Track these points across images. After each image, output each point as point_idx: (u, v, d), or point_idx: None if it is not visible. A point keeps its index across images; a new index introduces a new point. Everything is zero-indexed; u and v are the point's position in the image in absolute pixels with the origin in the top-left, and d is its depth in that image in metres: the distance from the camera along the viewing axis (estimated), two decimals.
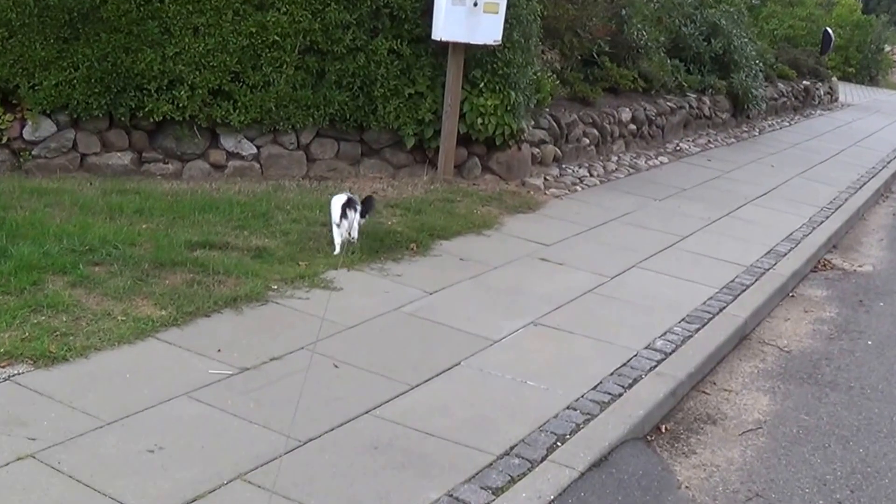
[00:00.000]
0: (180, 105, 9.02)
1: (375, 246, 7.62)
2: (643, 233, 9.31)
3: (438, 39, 9.41)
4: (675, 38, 15.27)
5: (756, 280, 8.20)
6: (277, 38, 9.12)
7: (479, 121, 9.91)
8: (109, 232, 7.13)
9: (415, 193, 9.37)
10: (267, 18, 9.06)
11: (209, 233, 7.45)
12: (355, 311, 6.41)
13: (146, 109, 9.00)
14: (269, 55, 9.16)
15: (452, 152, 9.89)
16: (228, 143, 9.41)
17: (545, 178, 10.83)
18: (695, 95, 15.09)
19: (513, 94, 9.96)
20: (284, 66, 9.22)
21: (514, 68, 10.00)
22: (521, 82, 10.13)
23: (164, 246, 7.00)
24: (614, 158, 12.54)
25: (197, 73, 9.02)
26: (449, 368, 5.75)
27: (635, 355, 6.24)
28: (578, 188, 10.84)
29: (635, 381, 5.87)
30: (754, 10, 20.46)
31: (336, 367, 5.62)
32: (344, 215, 7.36)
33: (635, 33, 13.99)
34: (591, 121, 12.26)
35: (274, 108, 9.28)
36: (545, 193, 10.32)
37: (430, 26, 9.45)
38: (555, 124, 11.40)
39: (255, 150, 9.49)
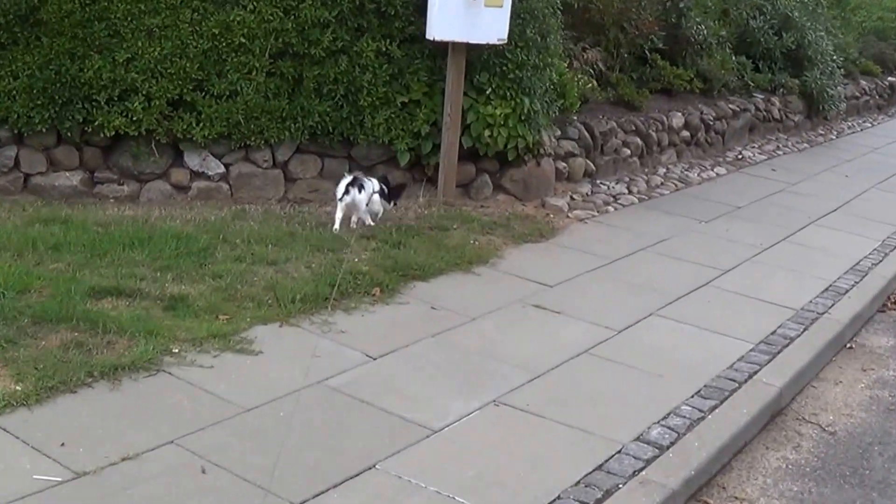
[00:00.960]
0: (135, 118, 7.76)
1: (325, 292, 6.21)
2: (675, 266, 7.70)
3: (432, 39, 7.96)
4: (741, 33, 13.48)
5: (804, 330, 6.55)
6: (244, 39, 7.79)
7: (487, 133, 8.43)
8: (5, 274, 5.88)
9: (404, 219, 7.93)
10: (231, 17, 7.74)
11: (125, 275, 6.13)
12: (265, 385, 5.01)
13: (96, 123, 7.78)
14: (235, 60, 7.84)
15: (454, 170, 8.42)
16: (192, 160, 8.12)
17: (571, 197, 9.28)
18: (762, 96, 13.27)
19: (526, 100, 8.45)
20: (254, 73, 7.89)
21: (528, 71, 8.48)
22: (538, 87, 8.60)
23: (62, 293, 5.70)
24: (661, 171, 10.89)
25: (153, 81, 7.75)
26: (356, 475, 4.30)
27: (618, 451, 4.70)
28: (610, 208, 9.26)
29: (607, 494, 4.34)
30: (842, 2, 18.41)
31: (204, 472, 4.23)
32: (347, 192, 7.30)
33: (694, 27, 12.29)
34: (633, 128, 10.63)
35: (243, 121, 7.95)
36: (567, 216, 8.77)
37: (424, 24, 8.00)
38: (586, 134, 9.82)
39: (222, 169, 8.17)
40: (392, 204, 7.92)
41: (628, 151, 10.50)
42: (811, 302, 7.12)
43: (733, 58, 12.90)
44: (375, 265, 6.80)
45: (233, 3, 7.76)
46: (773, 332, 6.45)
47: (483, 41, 8.02)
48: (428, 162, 8.48)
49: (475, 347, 5.76)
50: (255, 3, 7.75)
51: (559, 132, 9.46)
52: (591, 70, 11.24)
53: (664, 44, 12.25)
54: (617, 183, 10.07)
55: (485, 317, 6.24)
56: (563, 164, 9.47)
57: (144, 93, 7.74)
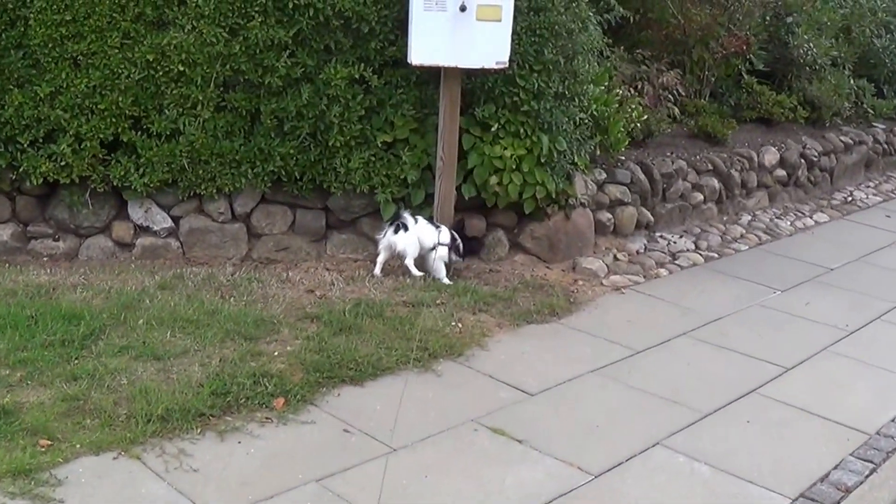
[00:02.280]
0: (64, 163, 6.36)
1: (203, 405, 4.58)
2: (720, 361, 5.73)
3: (412, 64, 6.25)
4: (863, 53, 11.16)
5: (874, 471, 4.52)
6: (183, 67, 6.28)
7: (495, 180, 6.65)
8: None
9: (375, 290, 6.23)
10: (165, 41, 6.23)
11: None
12: None
13: (20, 169, 6.43)
14: (175, 92, 6.33)
15: (450, 224, 6.66)
16: (136, 212, 6.67)
17: (614, 257, 7.37)
18: (883, 126, 10.92)
19: (545, 139, 6.63)
20: (198, 107, 6.37)
21: (548, 101, 6.65)
22: (562, 121, 6.76)
23: None
24: (745, 219, 8.80)
25: (81, 119, 6.32)
26: None
27: None
28: (663, 271, 7.30)
29: None
30: None
31: None
32: (397, 229, 6.41)
33: (802, 46, 10.12)
34: (710, 167, 8.59)
35: (188, 166, 6.44)
36: (602, 283, 6.88)
37: (407, 44, 6.30)
38: (642, 176, 7.88)
39: (169, 223, 6.67)
40: (463, 259, 6.70)
41: (701, 196, 8.47)
42: (894, 422, 5.05)
43: (850, 81, 10.62)
44: (298, 361, 5.12)
45: (168, 23, 6.25)
46: (827, 476, 4.46)
47: (477, 65, 6.26)
48: (421, 215, 6.76)
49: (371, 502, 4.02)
50: (193, 23, 6.21)
51: (604, 175, 7.57)
52: (670, 96, 9.29)
53: (765, 65, 10.16)
54: (682, 236, 8.07)
55: (413, 447, 4.48)
56: (608, 216, 7.57)
57: (73, 133, 6.33)
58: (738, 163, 8.88)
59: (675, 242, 7.92)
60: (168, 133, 6.40)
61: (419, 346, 5.45)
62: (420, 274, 6.47)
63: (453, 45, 6.13)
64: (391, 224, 6.45)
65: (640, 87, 8.98)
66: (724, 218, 8.70)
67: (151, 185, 6.46)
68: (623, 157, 7.87)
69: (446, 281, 6.50)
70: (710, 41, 9.55)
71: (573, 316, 6.28)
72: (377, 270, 6.49)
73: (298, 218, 6.82)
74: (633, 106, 7.89)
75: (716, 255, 7.85)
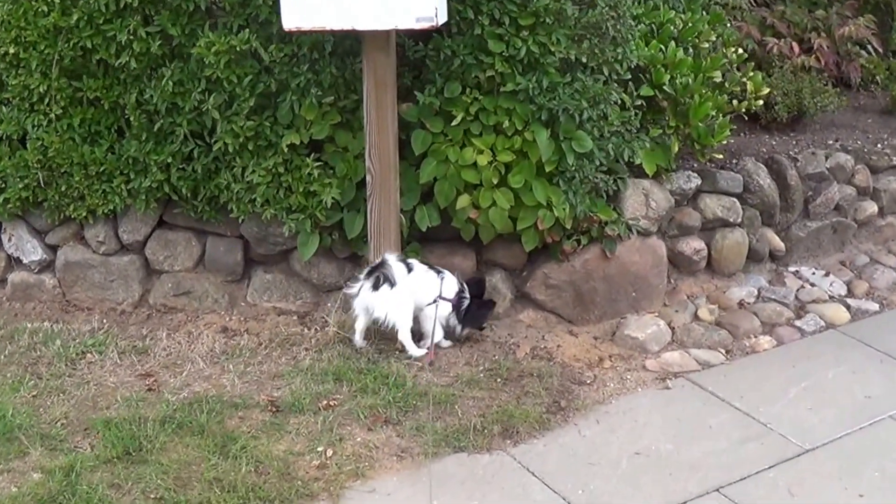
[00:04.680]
0: None
1: None
2: None
3: (285, 29, 3.84)
4: None
5: None
6: (16, 48, 4.29)
7: (466, 200, 4.14)
8: None
9: (243, 380, 3.99)
10: None
11: None
12: None
13: None
14: (14, 83, 4.38)
15: None
16: (6, 239, 4.83)
17: (695, 315, 4.59)
18: None
19: (543, 135, 4.02)
20: (46, 101, 4.37)
21: (550, 75, 4.02)
22: (581, 107, 4.07)
23: None
24: None
25: None
26: None
27: None
28: (766, 340, 4.45)
29: None
30: None
31: None
32: (377, 284, 4.06)
33: None
34: (892, 163, 5.40)
35: (46, 179, 4.49)
36: (645, 366, 4.19)
37: None
38: (767, 181, 4.91)
39: (39, 255, 4.76)
40: (465, 329, 4.30)
41: (875, 207, 5.33)
42: None
43: None
44: None
45: None
46: None
47: (386, 26, 3.73)
48: (361, 252, 4.37)
49: None
50: None
51: (694, 182, 4.73)
52: (863, 53, 6.12)
53: None
54: (828, 274, 5.04)
55: None
56: (697, 245, 4.74)
57: None
58: None
59: (813, 285, 4.93)
60: (16, 137, 4.48)
61: (233, 497, 3.19)
62: (419, 354, 4.14)
63: None
64: (369, 274, 4.11)
65: (810, 39, 5.90)
66: None
67: (11, 206, 4.59)
68: (730, 152, 4.97)
69: (446, 343, 4.26)
70: None
71: (549, 437, 3.69)
72: (357, 338, 4.22)
73: (209, 249, 4.66)
74: (751, 74, 4.90)
75: (875, 308, 4.79)
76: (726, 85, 4.77)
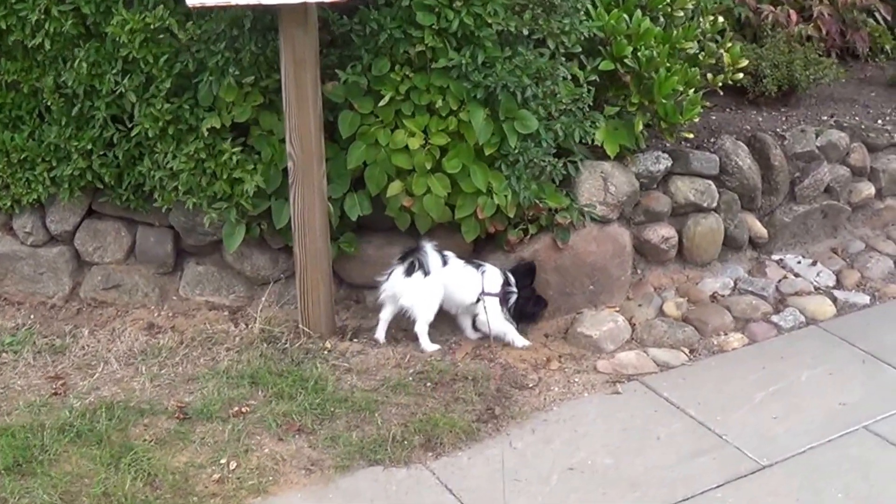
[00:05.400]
0: None
1: None
2: None
3: (194, 5, 3.48)
4: None
5: None
6: None
7: (399, 187, 3.79)
8: None
9: (156, 383, 3.69)
10: None
11: None
12: None
13: None
14: None
15: (323, 262, 3.89)
16: None
17: (660, 310, 4.20)
18: None
19: (479, 115, 3.65)
20: None
21: (488, 49, 3.64)
22: (522, 84, 3.68)
23: None
24: None
25: None
26: None
27: None
28: (736, 338, 4.06)
29: None
30: None
31: None
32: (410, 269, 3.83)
33: None
34: (894, 139, 4.92)
35: None
36: (596, 367, 3.82)
37: None
38: (746, 161, 4.47)
39: None
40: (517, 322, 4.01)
41: (871, 189, 4.85)
42: None
43: None
44: None
45: None
46: None
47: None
48: (291, 243, 4.03)
49: None
50: None
51: (664, 164, 4.30)
52: (870, 21, 5.62)
53: None
54: (815, 262, 4.60)
55: None
56: (665, 232, 4.33)
57: None
58: None
59: (798, 275, 4.50)
60: None
61: None
62: (434, 349, 3.88)
63: None
64: (402, 260, 3.86)
65: (811, 6, 5.41)
66: None
67: None
68: (710, 130, 4.54)
69: (522, 343, 3.95)
70: None
71: (475, 448, 3.35)
72: (379, 332, 3.97)
73: (139, 240, 4.36)
74: (729, 44, 4.45)
75: (865, 301, 4.35)
76: (701, 57, 4.33)
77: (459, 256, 3.90)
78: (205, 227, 4.08)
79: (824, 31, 5.38)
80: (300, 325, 3.89)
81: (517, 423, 3.48)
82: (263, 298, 4.16)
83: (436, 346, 3.87)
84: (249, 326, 4.00)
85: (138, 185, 4.14)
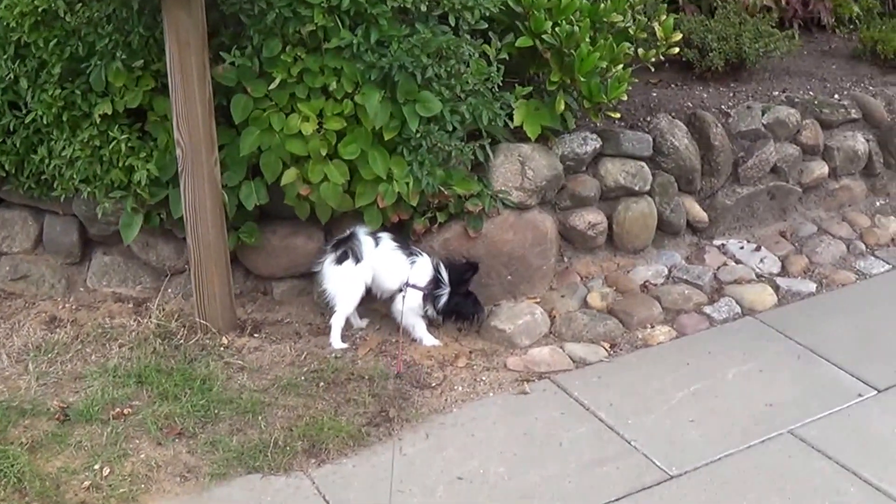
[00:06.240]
0: None
1: None
2: None
3: None
4: None
5: None
6: None
7: (294, 174, 3.57)
8: None
9: (39, 380, 3.51)
10: None
11: None
12: None
13: None
14: None
15: (221, 254, 3.68)
16: None
17: (584, 301, 3.96)
18: None
19: (374, 97, 3.42)
20: None
21: (384, 28, 3.41)
22: (422, 64, 3.44)
23: None
24: None
25: None
26: None
27: None
28: (663, 331, 3.81)
29: None
30: None
31: None
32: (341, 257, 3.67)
33: None
34: (851, 115, 4.62)
35: None
36: (507, 365, 3.61)
37: None
38: (684, 141, 4.21)
39: None
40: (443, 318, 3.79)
41: (824, 169, 4.57)
42: None
43: None
44: None
45: None
46: None
47: None
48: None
49: None
50: None
51: (593, 145, 4.05)
52: None
53: None
54: (760, 248, 4.34)
55: None
56: (592, 218, 4.08)
57: None
58: None
59: (739, 262, 4.24)
60: None
61: None
62: (341, 347, 3.68)
63: None
64: (334, 247, 3.70)
65: None
66: (877, 204, 4.71)
67: None
68: (648, 108, 4.27)
69: (430, 342, 3.73)
70: None
71: (363, 455, 3.15)
72: (354, 320, 3.84)
73: (46, 229, 4.18)
74: (663, 17, 4.16)
75: (810, 290, 4.10)
76: (632, 31, 4.06)
77: (397, 241, 3.69)
78: (110, 216, 3.89)
79: (784, 1, 5.09)
80: (197, 320, 3.70)
81: (412, 426, 3.28)
82: (170, 290, 3.98)
83: (343, 345, 3.67)
84: (147, 321, 3.81)
85: (40, 174, 3.96)
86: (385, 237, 3.68)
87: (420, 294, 3.66)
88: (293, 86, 3.50)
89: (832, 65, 5.03)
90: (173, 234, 3.98)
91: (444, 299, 3.66)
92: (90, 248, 4.18)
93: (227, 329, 3.72)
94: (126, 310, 3.98)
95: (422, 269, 3.67)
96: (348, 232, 3.68)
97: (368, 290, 3.70)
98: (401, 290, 3.66)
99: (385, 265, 3.66)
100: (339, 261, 3.63)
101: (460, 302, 3.69)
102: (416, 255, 3.69)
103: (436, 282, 3.66)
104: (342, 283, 3.64)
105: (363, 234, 3.65)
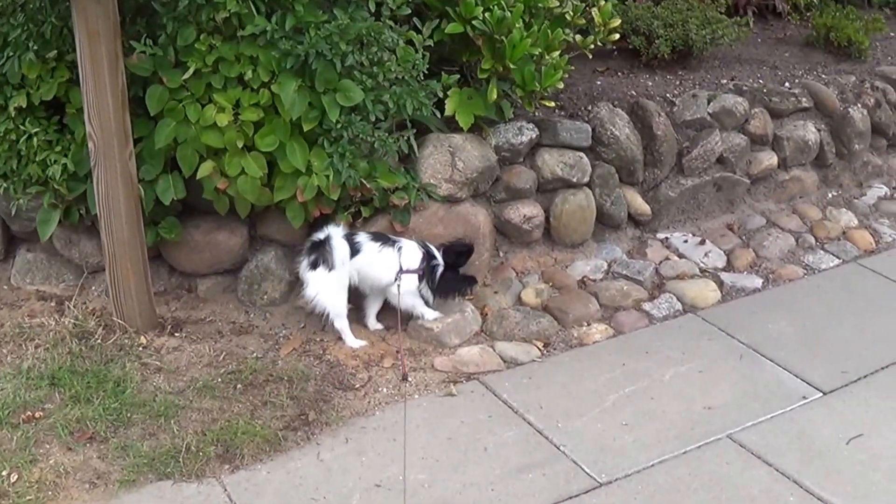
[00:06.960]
0: None
1: None
2: None
3: None
4: None
5: None
6: None
7: (211, 167, 3.44)
8: None
9: None
10: None
11: None
12: None
13: None
14: None
15: (137, 255, 3.54)
16: None
17: (518, 298, 3.86)
18: None
19: (290, 86, 3.30)
20: None
21: (301, 14, 3.28)
22: (342, 51, 3.31)
23: None
24: (873, 196, 4.64)
25: None
26: None
27: None
28: (599, 329, 3.71)
29: None
30: None
31: None
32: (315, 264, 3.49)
33: None
34: (802, 103, 4.52)
35: None
36: (434, 365, 3.49)
37: None
38: (625, 130, 4.09)
39: None
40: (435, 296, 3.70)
41: (772, 160, 4.46)
42: None
43: None
44: None
45: None
46: None
47: None
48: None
49: None
50: None
51: (529, 135, 3.93)
52: None
53: None
54: (704, 241, 4.23)
55: None
56: (528, 211, 3.96)
57: None
58: (871, 93, 4.66)
59: (682, 256, 4.13)
60: None
61: None
62: (357, 345, 3.57)
63: None
64: (308, 252, 3.53)
65: None
66: (829, 196, 4.61)
67: None
68: (591, 96, 4.15)
69: (432, 315, 3.66)
70: None
71: (278, 461, 3.03)
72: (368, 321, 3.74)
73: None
74: (602, 2, 4.02)
75: (756, 285, 3.99)
76: (568, 17, 3.93)
77: (376, 238, 3.54)
78: (31, 212, 3.76)
79: None
80: (115, 319, 3.57)
81: (331, 430, 3.17)
82: (93, 288, 3.85)
83: (361, 342, 3.56)
84: (65, 320, 3.67)
85: None
86: (364, 239, 3.50)
87: (416, 276, 3.55)
88: (209, 75, 3.38)
89: (785, 52, 4.92)
90: (96, 230, 3.84)
91: (438, 274, 3.57)
92: (14, 245, 4.05)
93: (147, 328, 3.59)
94: (48, 308, 3.84)
95: (410, 252, 3.55)
96: (323, 235, 3.49)
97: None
98: (396, 280, 3.54)
99: (375, 266, 3.51)
100: (313, 266, 3.48)
101: (451, 277, 3.60)
102: (400, 242, 3.56)
103: (428, 259, 3.56)
104: (323, 290, 3.49)
105: (338, 238, 3.46)
